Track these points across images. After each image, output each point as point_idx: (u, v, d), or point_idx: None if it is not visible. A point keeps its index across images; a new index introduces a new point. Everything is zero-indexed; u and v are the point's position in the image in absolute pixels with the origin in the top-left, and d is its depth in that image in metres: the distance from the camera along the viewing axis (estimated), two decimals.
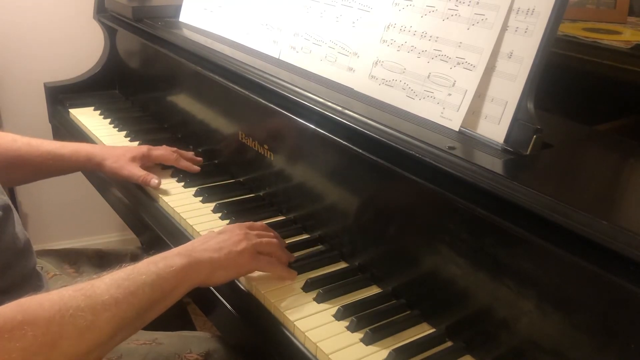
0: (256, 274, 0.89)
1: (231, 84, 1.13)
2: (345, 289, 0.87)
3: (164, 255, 0.80)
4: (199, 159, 1.25)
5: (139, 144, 1.35)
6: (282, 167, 1.06)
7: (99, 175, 1.26)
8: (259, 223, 0.96)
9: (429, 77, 0.86)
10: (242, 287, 0.90)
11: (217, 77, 1.17)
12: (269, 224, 1.03)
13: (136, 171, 1.16)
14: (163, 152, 1.22)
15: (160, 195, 1.13)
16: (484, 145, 0.78)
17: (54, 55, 1.93)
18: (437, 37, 0.86)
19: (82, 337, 0.65)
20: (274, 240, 0.92)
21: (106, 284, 0.70)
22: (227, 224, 1.03)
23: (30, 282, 0.86)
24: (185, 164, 1.21)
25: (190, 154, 1.25)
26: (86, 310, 0.66)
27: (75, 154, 1.15)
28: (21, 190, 1.96)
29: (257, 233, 0.90)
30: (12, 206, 0.84)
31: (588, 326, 0.61)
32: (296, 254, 0.94)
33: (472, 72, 0.81)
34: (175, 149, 1.24)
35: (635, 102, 1.09)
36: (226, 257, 0.83)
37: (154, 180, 1.15)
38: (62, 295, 0.66)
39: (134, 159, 1.17)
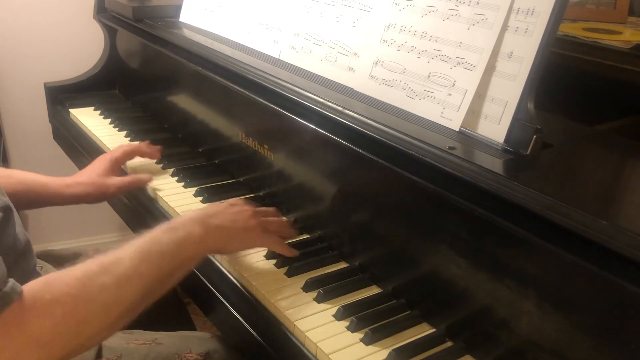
0: (257, 274, 0.90)
1: (231, 84, 1.13)
2: (345, 289, 0.87)
3: (182, 221, 0.82)
4: (158, 147, 1.26)
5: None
6: (282, 167, 1.06)
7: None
8: (264, 208, 1.00)
9: (429, 77, 0.86)
10: (242, 288, 0.90)
11: (217, 77, 1.17)
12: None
13: (119, 181, 1.15)
14: (124, 148, 1.21)
15: (161, 196, 1.13)
16: (484, 145, 0.78)
17: (54, 55, 1.93)
18: (437, 37, 0.86)
19: (109, 311, 0.68)
20: (282, 219, 0.99)
21: (130, 258, 0.72)
22: None
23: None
24: (146, 151, 1.23)
25: (147, 142, 1.26)
26: (111, 286, 0.68)
27: (45, 189, 1.09)
28: None
29: (264, 211, 0.96)
30: (12, 207, 0.84)
31: (588, 326, 0.61)
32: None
33: (472, 72, 0.81)
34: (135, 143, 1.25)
35: (635, 102, 1.09)
36: (241, 229, 0.88)
37: (143, 176, 1.17)
38: (86, 272, 0.68)
39: (105, 173, 1.15)
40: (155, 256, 0.75)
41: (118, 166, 1.19)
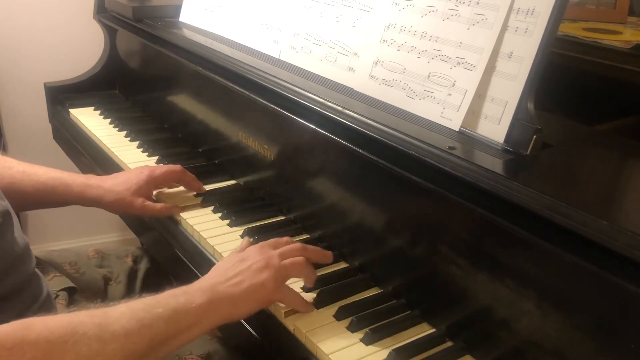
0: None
1: (231, 84, 1.13)
2: (345, 289, 0.87)
3: (187, 289, 0.75)
4: (201, 184, 1.14)
5: (139, 144, 1.35)
6: (282, 167, 1.06)
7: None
8: (284, 238, 0.89)
9: (429, 77, 0.86)
10: None
11: (217, 77, 1.17)
12: (269, 224, 1.03)
13: (151, 206, 1.06)
14: (166, 169, 1.11)
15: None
16: (484, 145, 0.78)
17: (54, 55, 1.93)
18: (437, 37, 0.86)
19: None
20: (300, 259, 0.83)
21: (120, 313, 0.67)
22: (228, 224, 1.03)
23: (29, 286, 0.84)
24: (189, 181, 1.13)
25: (192, 176, 1.14)
26: (93, 338, 0.63)
27: (67, 188, 1.04)
28: None
29: (281, 251, 0.83)
30: (11, 212, 0.83)
31: (588, 326, 0.61)
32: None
33: (472, 72, 0.81)
34: (178, 165, 1.13)
35: (635, 102, 1.09)
36: (247, 291, 0.77)
37: (174, 209, 1.07)
38: (71, 320, 0.64)
39: (138, 191, 1.06)
40: (149, 318, 0.68)
41: (154, 187, 1.10)
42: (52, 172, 1.05)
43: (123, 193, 1.05)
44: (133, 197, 1.05)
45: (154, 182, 1.09)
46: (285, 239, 0.89)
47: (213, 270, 0.82)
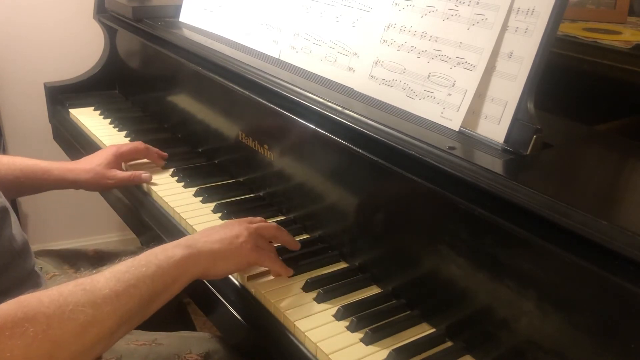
0: (257, 274, 0.90)
1: (231, 84, 1.13)
2: (345, 289, 0.87)
3: (164, 247, 0.79)
4: (165, 154, 1.27)
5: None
6: (282, 167, 1.06)
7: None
8: (257, 217, 0.96)
9: (429, 77, 0.86)
10: (242, 288, 0.90)
11: (217, 77, 1.17)
12: None
13: (120, 175, 1.17)
14: (131, 146, 1.23)
15: (160, 196, 1.13)
16: (484, 145, 0.78)
17: (54, 55, 1.93)
18: (437, 37, 0.86)
19: (84, 332, 0.65)
20: (272, 224, 0.93)
21: (106, 278, 0.70)
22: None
23: (28, 283, 0.85)
24: (154, 155, 1.24)
25: (156, 149, 1.26)
26: (86, 304, 0.65)
27: (47, 173, 1.12)
28: None
29: (257, 225, 0.90)
30: (9, 208, 0.83)
31: (588, 326, 0.61)
32: (296, 254, 0.94)
33: (472, 72, 0.81)
34: (141, 142, 1.25)
35: (635, 102, 1.09)
36: (227, 248, 0.83)
37: (144, 175, 1.17)
38: (61, 291, 0.66)
39: (108, 165, 1.17)
40: (133, 278, 0.71)
41: (121, 161, 1.21)
42: (30, 160, 1.12)
43: (96, 168, 1.15)
44: (105, 170, 1.16)
45: (121, 156, 1.20)
46: (258, 218, 0.95)
47: (193, 234, 0.89)
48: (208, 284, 0.92)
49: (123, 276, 0.71)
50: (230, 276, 0.91)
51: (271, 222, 0.97)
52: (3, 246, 0.80)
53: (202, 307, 0.98)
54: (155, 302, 0.74)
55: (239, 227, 0.87)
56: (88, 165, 1.17)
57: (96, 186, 1.17)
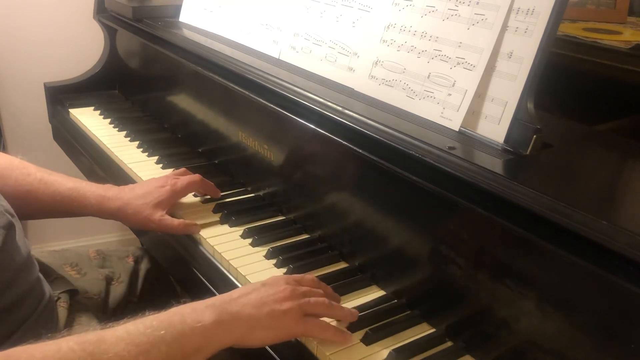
0: (257, 274, 0.89)
1: (231, 84, 1.13)
2: (345, 289, 0.87)
3: (194, 306, 0.68)
4: (218, 190, 1.12)
5: (139, 145, 1.35)
6: (282, 167, 1.06)
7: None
8: (309, 276, 0.81)
9: (429, 77, 0.86)
10: None
11: (217, 77, 1.17)
12: (269, 224, 1.03)
13: (169, 222, 1.00)
14: (187, 181, 1.06)
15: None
16: (484, 145, 0.78)
17: (54, 55, 1.93)
18: (437, 37, 0.86)
19: None
20: (323, 299, 0.76)
21: (117, 337, 0.61)
22: (228, 226, 1.03)
23: (31, 296, 0.83)
24: (211, 188, 1.10)
25: (211, 184, 1.11)
26: None
27: (85, 200, 1.00)
28: None
29: (305, 290, 0.76)
30: (15, 223, 0.81)
31: (588, 326, 0.61)
32: (295, 254, 0.94)
33: (472, 72, 0.81)
34: (198, 175, 1.09)
35: (635, 102, 1.09)
36: (268, 316, 0.70)
37: (194, 229, 1.01)
38: (60, 348, 0.58)
39: (159, 205, 1.00)
40: (149, 343, 0.61)
41: (176, 200, 1.05)
42: (70, 181, 1.01)
43: (142, 207, 1.00)
44: (152, 211, 1.00)
45: (175, 197, 1.04)
46: (310, 276, 0.82)
47: (232, 290, 0.75)
48: (208, 284, 0.92)
49: (136, 338, 0.62)
50: (230, 276, 0.91)
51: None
52: (5, 263, 0.76)
53: None
54: None
55: (284, 290, 0.74)
56: (134, 200, 1.00)
57: (137, 225, 1.03)
